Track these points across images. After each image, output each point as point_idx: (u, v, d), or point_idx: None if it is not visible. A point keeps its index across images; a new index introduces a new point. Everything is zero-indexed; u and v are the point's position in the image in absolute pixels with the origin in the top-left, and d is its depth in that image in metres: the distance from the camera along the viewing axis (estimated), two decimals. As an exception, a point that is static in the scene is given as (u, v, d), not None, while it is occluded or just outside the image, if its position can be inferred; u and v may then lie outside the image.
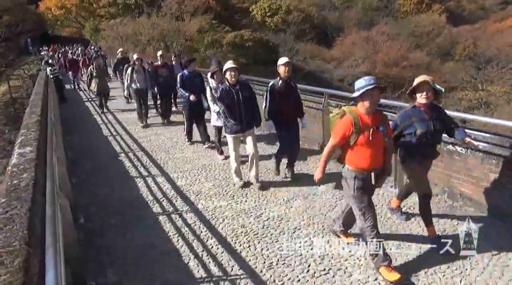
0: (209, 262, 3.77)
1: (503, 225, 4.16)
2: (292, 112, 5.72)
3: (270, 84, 5.66)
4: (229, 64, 5.44)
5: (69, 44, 35.61)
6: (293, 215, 4.66)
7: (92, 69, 11.55)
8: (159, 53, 10.33)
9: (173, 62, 11.22)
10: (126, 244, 4.18)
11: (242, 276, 3.54)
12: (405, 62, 35.02)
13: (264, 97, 5.73)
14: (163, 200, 5.25)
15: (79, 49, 27.71)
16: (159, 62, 9.92)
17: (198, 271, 3.64)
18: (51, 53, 23.50)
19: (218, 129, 6.96)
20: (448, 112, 4.12)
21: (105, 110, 11.78)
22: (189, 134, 8.03)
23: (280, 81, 5.57)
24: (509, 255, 3.67)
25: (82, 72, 19.08)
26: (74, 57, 20.74)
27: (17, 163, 3.42)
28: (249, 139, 5.55)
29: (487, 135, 4.40)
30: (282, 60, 5.64)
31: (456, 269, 3.52)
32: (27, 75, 19.04)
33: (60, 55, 24.46)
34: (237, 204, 5.06)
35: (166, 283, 3.50)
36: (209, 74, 6.82)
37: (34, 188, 2.87)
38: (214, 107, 6.59)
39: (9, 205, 2.61)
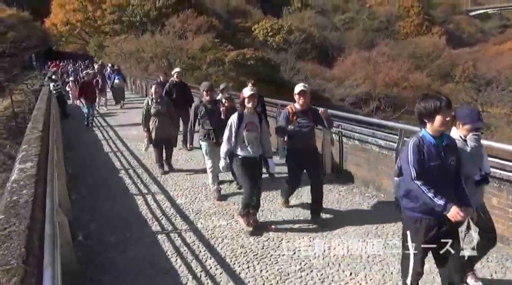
0: (208, 282, 3.72)
1: (504, 249, 4.12)
2: None
3: None
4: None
5: (74, 60, 35.95)
6: (293, 236, 4.62)
7: (149, 102, 7.07)
8: (299, 88, 4.92)
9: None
10: (125, 262, 4.13)
11: (241, 298, 3.48)
12: (406, 83, 35.28)
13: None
14: (162, 219, 5.21)
15: (95, 66, 19.58)
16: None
17: (196, 292, 3.58)
18: (54, 69, 23.02)
19: None
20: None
21: (166, 168, 7.37)
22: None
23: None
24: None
25: (99, 100, 15.17)
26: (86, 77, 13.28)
27: (17, 179, 3.41)
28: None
29: (488, 158, 4.39)
30: None
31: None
32: (30, 90, 19.15)
33: (70, 74, 20.65)
34: (237, 223, 5.01)
35: (163, 304, 3.45)
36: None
37: (34, 205, 2.85)
38: None
39: (7, 221, 2.59)
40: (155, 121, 7.04)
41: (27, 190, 3.12)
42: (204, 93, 6.10)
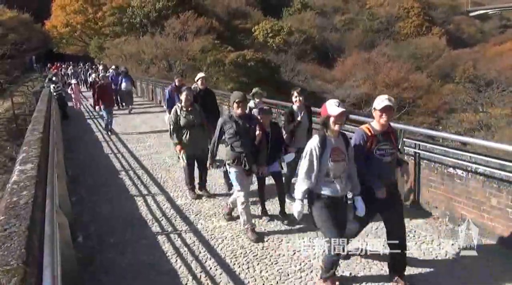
0: (208, 283, 3.72)
1: (503, 250, 4.12)
2: None
3: None
4: None
5: (74, 62, 35.92)
6: (293, 237, 4.62)
7: (178, 111, 5.88)
8: None
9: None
10: (125, 264, 4.14)
11: (240, 299, 3.48)
12: (406, 84, 35.29)
13: None
14: (162, 219, 5.22)
15: (100, 68, 18.53)
16: None
17: (196, 293, 3.59)
18: (54, 71, 22.91)
19: None
20: (448, 135, 4.14)
21: (198, 191, 6.15)
22: None
23: None
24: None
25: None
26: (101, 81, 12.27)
27: (18, 180, 3.42)
28: None
29: (488, 159, 4.40)
30: None
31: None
32: (30, 92, 19.19)
33: (70, 77, 20.20)
34: (237, 224, 5.01)
35: (163, 305, 3.45)
36: None
37: (34, 206, 2.86)
38: None
39: (7, 222, 2.60)
40: (186, 134, 5.85)
41: (27, 192, 3.13)
42: (235, 105, 4.63)
